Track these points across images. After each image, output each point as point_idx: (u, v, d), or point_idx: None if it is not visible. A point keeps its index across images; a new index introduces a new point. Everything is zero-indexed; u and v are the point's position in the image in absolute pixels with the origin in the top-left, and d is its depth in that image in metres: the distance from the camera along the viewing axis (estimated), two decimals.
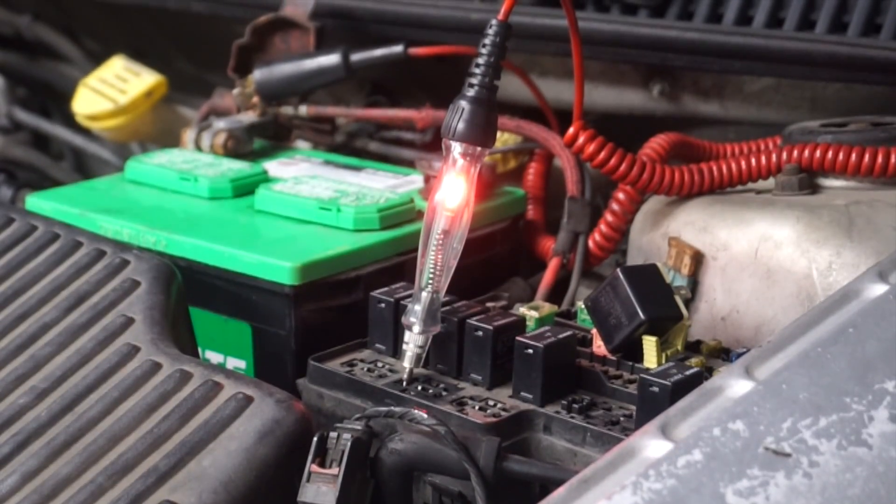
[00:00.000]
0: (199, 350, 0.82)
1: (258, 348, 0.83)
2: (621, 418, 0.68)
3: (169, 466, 0.60)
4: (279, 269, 0.81)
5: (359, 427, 0.64)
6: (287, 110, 1.08)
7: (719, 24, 0.98)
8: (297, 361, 0.81)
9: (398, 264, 0.86)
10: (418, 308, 0.72)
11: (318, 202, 0.88)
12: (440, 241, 0.72)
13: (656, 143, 0.91)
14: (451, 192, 0.72)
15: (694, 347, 0.75)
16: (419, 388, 0.71)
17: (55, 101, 1.54)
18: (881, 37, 0.92)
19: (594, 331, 0.73)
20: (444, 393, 0.71)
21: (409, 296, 0.74)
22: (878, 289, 0.62)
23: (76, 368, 0.69)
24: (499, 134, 0.97)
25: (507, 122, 0.99)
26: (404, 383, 0.72)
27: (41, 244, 0.79)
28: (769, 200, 0.83)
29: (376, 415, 0.65)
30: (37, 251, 0.79)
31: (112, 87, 1.21)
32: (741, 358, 0.62)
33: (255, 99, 1.07)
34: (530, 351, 0.69)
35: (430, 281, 0.72)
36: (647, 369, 0.70)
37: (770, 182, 0.86)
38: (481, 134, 0.72)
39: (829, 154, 0.83)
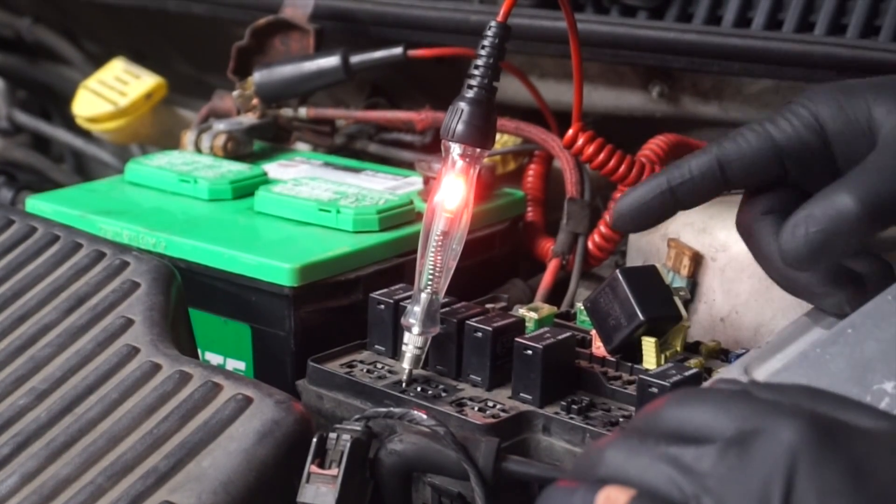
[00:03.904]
0: (199, 351, 0.82)
1: (258, 349, 0.83)
2: (620, 419, 0.68)
3: (168, 467, 0.61)
4: (279, 270, 0.81)
5: (358, 428, 0.64)
6: (287, 112, 1.08)
7: (718, 26, 0.98)
8: (297, 362, 0.81)
9: (397, 266, 0.86)
10: (417, 309, 0.72)
11: (317, 204, 0.88)
12: (439, 243, 0.72)
13: (655, 145, 0.91)
14: (451, 193, 0.72)
15: (693, 348, 0.75)
16: (418, 388, 0.71)
17: (55, 104, 1.54)
18: (880, 38, 0.92)
19: (593, 332, 0.73)
20: (443, 394, 0.71)
21: (409, 297, 0.75)
22: None
23: (76, 370, 0.69)
24: (498, 135, 0.97)
25: (506, 123, 0.99)
26: (403, 384, 0.72)
27: (41, 246, 0.80)
28: None
29: (376, 415, 0.65)
30: (37, 253, 0.79)
31: (112, 90, 1.21)
32: (740, 359, 0.62)
33: (255, 101, 1.07)
34: (529, 352, 0.69)
35: (430, 282, 0.72)
36: (647, 370, 0.70)
37: None
38: (480, 135, 0.72)
39: None
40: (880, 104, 0.63)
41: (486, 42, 0.73)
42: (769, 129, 0.65)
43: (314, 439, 0.63)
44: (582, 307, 0.75)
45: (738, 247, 0.80)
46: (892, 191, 0.59)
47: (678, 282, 0.81)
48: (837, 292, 0.64)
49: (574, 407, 0.68)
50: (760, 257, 0.66)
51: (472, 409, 0.69)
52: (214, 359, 0.85)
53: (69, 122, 1.35)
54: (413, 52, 1.03)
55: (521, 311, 0.77)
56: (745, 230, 0.67)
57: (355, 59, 1.04)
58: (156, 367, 0.67)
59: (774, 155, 0.64)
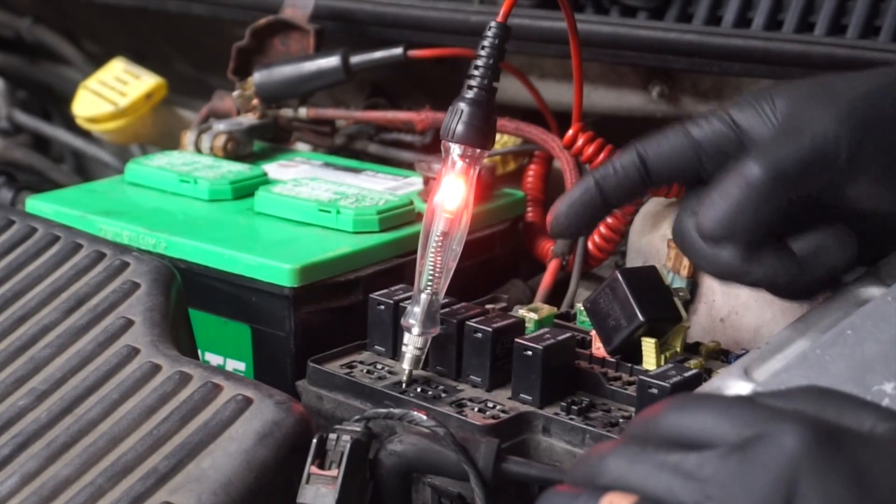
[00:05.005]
0: (199, 352, 0.82)
1: (258, 350, 0.83)
2: (620, 420, 0.68)
3: (168, 468, 0.61)
4: (279, 271, 0.81)
5: (358, 429, 0.64)
6: (287, 112, 1.08)
7: (718, 27, 0.98)
8: (297, 363, 0.81)
9: (397, 266, 0.86)
10: (417, 310, 0.72)
11: (317, 204, 0.88)
12: (439, 243, 0.72)
13: None
14: (451, 193, 0.72)
15: (693, 349, 0.75)
16: (418, 389, 0.72)
17: (55, 104, 1.54)
18: (880, 39, 0.92)
19: (593, 332, 0.73)
20: (443, 394, 0.71)
21: (409, 298, 0.75)
22: (877, 291, 0.62)
23: (76, 370, 0.69)
24: (498, 136, 0.97)
25: (506, 123, 0.99)
26: (403, 385, 0.72)
27: (41, 246, 0.80)
28: None
29: (376, 416, 0.65)
30: (37, 253, 0.79)
31: (112, 90, 1.21)
32: (740, 360, 0.62)
33: (255, 101, 1.07)
34: (529, 353, 0.69)
35: (430, 283, 0.72)
36: (646, 371, 0.70)
37: None
38: (480, 136, 0.72)
39: None
40: (780, 94, 0.67)
41: (485, 42, 0.73)
42: (688, 127, 0.69)
43: (314, 440, 0.63)
44: (582, 308, 0.75)
45: None
46: (792, 156, 0.63)
47: (678, 282, 0.81)
48: (760, 265, 0.65)
49: (574, 408, 0.68)
50: (691, 254, 0.68)
51: (472, 409, 0.69)
52: (214, 359, 0.85)
53: (69, 123, 1.35)
54: (413, 53, 1.03)
55: (521, 311, 0.77)
56: (676, 236, 0.69)
57: (355, 59, 1.04)
58: (156, 368, 0.67)
59: (691, 148, 0.68)
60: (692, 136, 0.68)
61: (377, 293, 0.76)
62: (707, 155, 0.68)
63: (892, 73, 0.67)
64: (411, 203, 0.90)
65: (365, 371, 0.74)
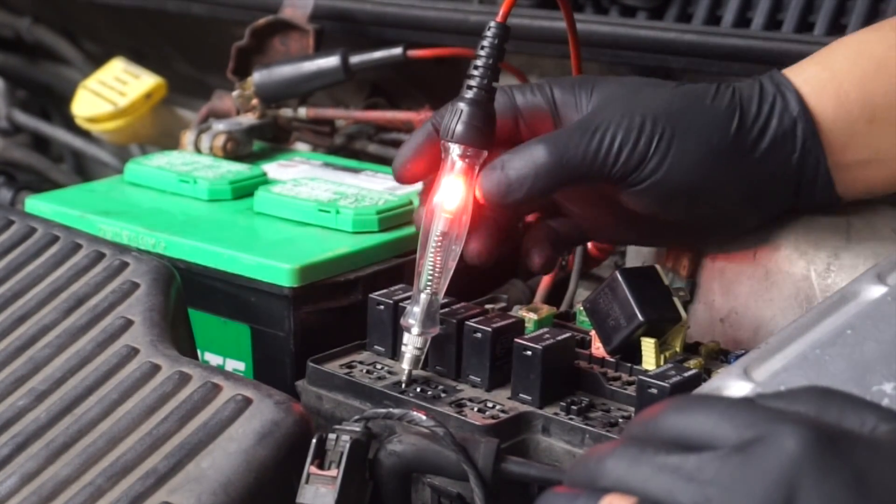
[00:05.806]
0: (199, 352, 0.82)
1: (257, 350, 0.83)
2: (620, 420, 0.68)
3: (168, 468, 0.61)
4: (278, 271, 0.81)
5: (358, 429, 0.64)
6: (286, 112, 1.08)
7: (718, 26, 0.98)
8: (296, 363, 0.81)
9: (397, 266, 0.86)
10: (417, 310, 0.72)
11: (317, 204, 0.88)
12: (439, 243, 0.72)
13: None
14: (450, 193, 0.72)
15: (692, 349, 0.75)
16: (418, 389, 0.71)
17: (55, 104, 1.54)
18: None
19: (593, 332, 0.73)
20: (442, 394, 0.71)
21: (408, 297, 0.75)
22: (877, 290, 0.62)
23: (75, 370, 0.69)
24: None
25: None
26: (403, 385, 0.72)
27: (41, 246, 0.80)
28: None
29: (375, 416, 0.65)
30: (36, 253, 0.79)
31: (112, 90, 1.21)
32: (740, 359, 0.62)
33: (255, 101, 1.07)
34: (529, 353, 0.69)
35: (429, 283, 0.72)
36: (646, 371, 0.70)
37: None
38: (480, 136, 0.72)
39: None
40: (598, 88, 0.74)
41: (485, 42, 0.73)
42: (514, 92, 0.76)
43: (314, 440, 0.63)
44: (581, 308, 0.75)
45: (737, 247, 0.80)
46: (575, 151, 0.70)
47: (678, 282, 0.81)
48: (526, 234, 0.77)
49: (573, 408, 0.68)
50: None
51: (472, 409, 0.69)
52: (214, 359, 0.85)
53: (69, 122, 1.35)
54: (413, 53, 1.03)
55: (521, 311, 0.77)
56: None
57: (355, 59, 1.04)
58: (155, 368, 0.67)
59: (511, 112, 0.75)
60: (514, 103, 0.75)
61: (376, 293, 0.76)
62: (524, 121, 0.75)
63: (698, 92, 0.72)
64: (411, 203, 0.90)
65: (364, 371, 0.74)
